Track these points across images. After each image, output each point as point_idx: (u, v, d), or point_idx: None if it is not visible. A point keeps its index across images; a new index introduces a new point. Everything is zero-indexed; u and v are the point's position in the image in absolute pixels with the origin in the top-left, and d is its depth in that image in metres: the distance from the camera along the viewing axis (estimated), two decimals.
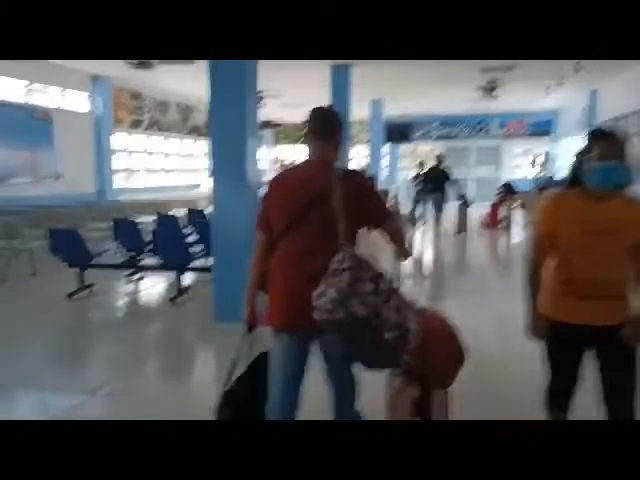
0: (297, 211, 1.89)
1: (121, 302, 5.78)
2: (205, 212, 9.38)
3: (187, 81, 10.67)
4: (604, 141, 1.93)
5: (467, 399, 2.50)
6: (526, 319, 2.12)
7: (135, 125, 12.49)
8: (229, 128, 4.58)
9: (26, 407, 3.25)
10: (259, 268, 2.06)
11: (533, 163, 18.19)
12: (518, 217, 12.00)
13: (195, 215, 8.50)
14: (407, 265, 2.39)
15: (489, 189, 17.73)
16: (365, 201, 1.93)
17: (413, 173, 11.74)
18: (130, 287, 6.26)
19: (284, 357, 1.98)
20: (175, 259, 5.36)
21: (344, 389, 2.02)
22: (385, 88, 12.41)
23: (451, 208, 10.74)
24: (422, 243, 9.54)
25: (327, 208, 1.84)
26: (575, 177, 2.02)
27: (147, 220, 7.91)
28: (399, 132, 17.66)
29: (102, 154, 10.93)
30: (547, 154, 17.90)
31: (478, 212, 11.33)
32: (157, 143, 13.49)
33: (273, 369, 2.01)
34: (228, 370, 2.08)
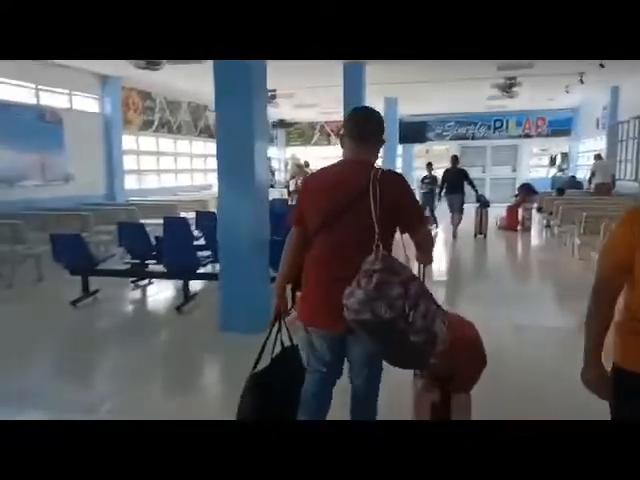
0: (333, 210, 1.89)
1: (125, 310, 5.58)
2: (216, 213, 9.24)
3: (198, 80, 10.49)
4: None
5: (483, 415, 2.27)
6: (584, 369, 1.60)
7: (145, 126, 12.37)
8: (235, 129, 4.35)
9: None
10: (291, 261, 2.08)
11: (552, 162, 17.76)
12: (538, 219, 11.67)
13: (204, 217, 8.31)
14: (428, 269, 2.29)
15: (506, 190, 17.43)
16: (402, 204, 1.91)
17: (424, 173, 11.52)
18: (136, 294, 6.07)
19: (316, 353, 2.03)
20: (181, 266, 5.15)
21: (365, 388, 2.04)
22: (399, 87, 12.14)
23: (468, 209, 10.48)
24: (438, 246, 9.24)
25: (363, 209, 1.82)
26: None
27: (155, 222, 7.74)
28: (413, 132, 17.32)
29: (112, 155, 10.82)
30: (566, 153, 17.45)
31: (494, 213, 10.99)
32: (168, 143, 13.38)
33: (307, 363, 2.07)
34: (256, 359, 2.07)
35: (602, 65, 9.41)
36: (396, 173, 2.08)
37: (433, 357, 1.73)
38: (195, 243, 6.80)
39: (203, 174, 14.75)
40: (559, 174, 17.17)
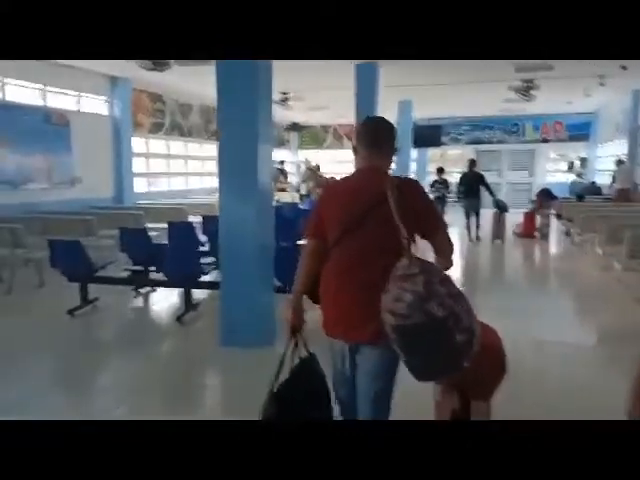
0: (352, 219, 1.89)
1: (123, 320, 5.34)
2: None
3: (209, 82, 10.34)
4: None
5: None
6: (629, 401, 1.50)
7: (155, 128, 12.24)
8: (238, 131, 4.12)
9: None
10: (308, 274, 2.05)
11: (570, 167, 17.32)
12: (556, 226, 11.28)
13: (210, 222, 8.12)
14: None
15: (522, 195, 17.02)
16: (420, 209, 1.92)
17: (434, 178, 11.28)
18: (138, 301, 5.86)
19: (342, 362, 2.03)
20: (182, 274, 4.93)
21: (372, 406, 1.98)
22: (413, 90, 11.87)
23: (484, 214, 10.19)
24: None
25: (383, 215, 1.83)
26: None
27: (162, 226, 7.55)
28: (427, 136, 17.04)
29: (121, 158, 10.68)
30: (585, 158, 17.00)
31: (510, 219, 10.65)
32: (178, 146, 13.24)
33: (333, 376, 2.09)
34: (275, 372, 2.01)
35: (624, 67, 9.15)
36: (412, 179, 2.12)
37: (468, 359, 1.69)
38: (200, 249, 6.62)
39: (214, 177, 14.59)
40: (577, 179, 16.73)
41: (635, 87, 11.66)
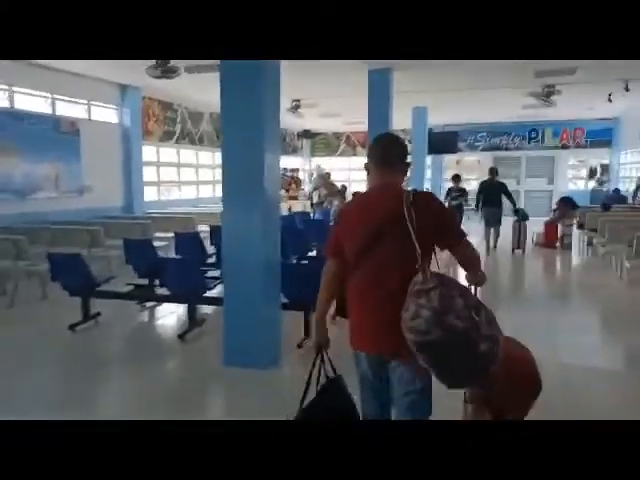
0: (370, 237, 1.90)
1: (125, 337, 5.10)
2: None
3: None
4: None
5: None
6: None
7: (166, 137, 12.12)
8: (243, 137, 3.88)
9: None
10: (329, 293, 2.10)
11: (591, 175, 16.82)
12: (578, 236, 10.85)
13: (218, 232, 7.91)
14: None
15: (541, 203, 16.57)
16: (437, 221, 1.90)
17: (450, 185, 10.96)
18: (142, 316, 5.64)
19: (367, 378, 2.03)
20: (186, 289, 4.68)
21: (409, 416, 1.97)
22: (428, 96, 11.57)
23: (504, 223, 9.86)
24: None
25: (399, 232, 1.83)
26: None
27: (169, 236, 7.35)
28: (443, 142, 16.67)
29: (131, 166, 10.55)
30: (607, 165, 16.50)
31: (530, 228, 10.29)
32: (189, 154, 13.11)
33: (360, 390, 2.09)
34: (303, 392, 2.06)
35: (627, 89, 8.89)
36: (427, 192, 2.17)
37: (495, 365, 1.70)
38: (208, 261, 6.40)
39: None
40: (598, 187, 16.24)
41: None
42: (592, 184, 16.75)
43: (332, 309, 2.19)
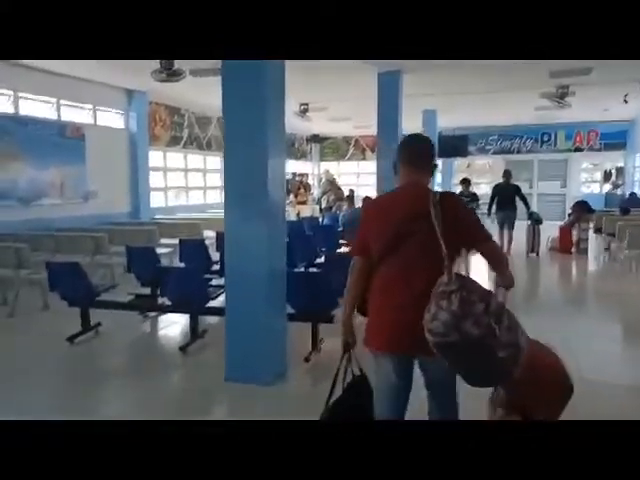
0: (396, 235, 1.93)
1: (124, 349, 4.91)
2: None
3: None
4: None
5: None
6: None
7: (173, 142, 12.00)
8: (246, 141, 3.69)
9: None
10: (357, 291, 2.09)
11: (606, 178, 16.46)
12: (594, 241, 10.54)
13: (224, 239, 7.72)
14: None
15: (555, 207, 16.23)
16: (462, 222, 1.93)
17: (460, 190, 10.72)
18: (144, 326, 5.46)
19: (388, 378, 2.03)
20: (188, 299, 4.50)
21: (443, 411, 2.05)
22: (438, 99, 11.35)
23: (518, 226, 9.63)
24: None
25: (425, 231, 1.86)
26: None
27: (175, 242, 7.17)
28: (453, 146, 16.43)
29: (137, 172, 10.43)
30: (622, 168, 16.13)
31: (544, 232, 10.03)
32: (197, 160, 12.98)
33: (378, 390, 2.09)
34: (329, 391, 2.11)
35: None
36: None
37: (516, 371, 1.71)
38: (213, 268, 6.22)
39: None
40: (614, 190, 15.87)
41: None
42: (607, 187, 16.39)
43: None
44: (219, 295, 4.74)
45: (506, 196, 9.41)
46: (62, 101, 8.94)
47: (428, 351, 1.76)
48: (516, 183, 9.98)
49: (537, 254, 9.62)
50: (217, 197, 13.67)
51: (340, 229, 8.63)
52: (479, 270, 2.20)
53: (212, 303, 4.58)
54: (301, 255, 6.53)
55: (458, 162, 17.71)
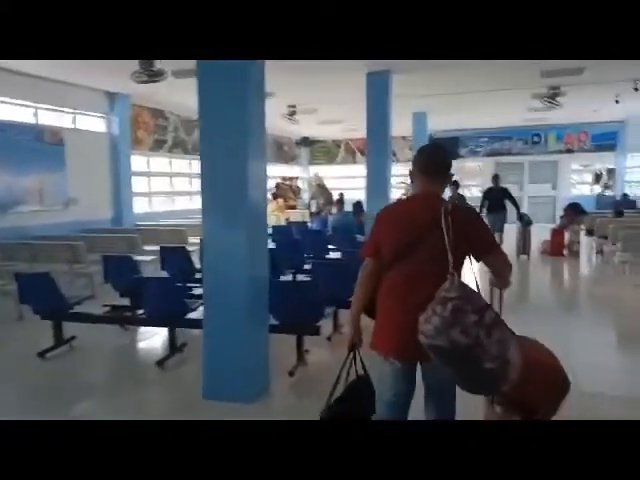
0: (407, 241, 1.99)
1: (99, 364, 4.61)
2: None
3: None
4: None
5: None
6: None
7: (157, 146, 11.73)
8: (224, 144, 3.47)
9: None
10: (367, 291, 2.13)
11: (596, 179, 16.38)
12: (587, 243, 10.41)
13: None
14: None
15: (545, 209, 16.13)
16: (474, 232, 2.00)
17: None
18: (121, 339, 5.18)
19: (392, 381, 2.08)
20: (165, 312, 4.25)
21: (439, 414, 2.10)
22: (428, 100, 11.18)
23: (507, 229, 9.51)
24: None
25: (435, 239, 1.91)
26: None
27: (155, 249, 6.91)
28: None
29: (119, 177, 10.14)
30: (613, 169, 16.07)
31: (535, 235, 9.90)
32: (182, 164, 12.71)
33: (381, 392, 2.13)
34: (331, 389, 2.16)
35: (637, 89, 9.00)
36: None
37: (505, 384, 1.75)
38: (197, 276, 5.97)
39: None
40: (604, 192, 15.80)
41: None
42: (597, 189, 16.31)
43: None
44: (198, 307, 4.49)
45: (496, 199, 9.43)
46: (40, 105, 8.64)
47: (429, 356, 1.84)
48: (505, 186, 9.99)
49: (528, 256, 9.55)
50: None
51: (329, 233, 8.41)
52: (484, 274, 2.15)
53: (192, 314, 4.32)
54: (288, 262, 6.30)
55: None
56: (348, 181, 18.92)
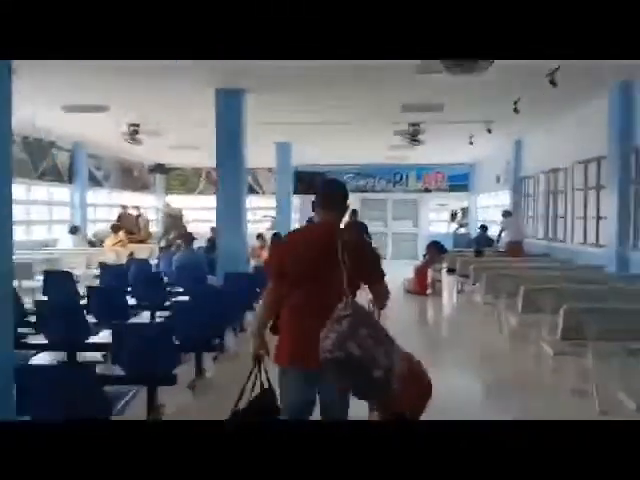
0: (308, 265, 2.26)
1: None
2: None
3: (43, 107, 8.02)
4: None
5: None
6: None
7: None
8: None
9: None
10: (270, 311, 2.41)
11: (452, 218, 17.10)
12: (447, 281, 10.30)
13: (56, 280, 6.56)
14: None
15: (408, 246, 16.36)
16: (363, 262, 2.29)
17: None
18: None
19: (294, 391, 2.30)
20: None
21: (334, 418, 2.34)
22: (292, 129, 10.53)
23: None
24: None
25: (332, 264, 2.13)
26: None
27: None
28: (310, 183, 15.85)
29: None
30: (466, 208, 16.91)
31: (398, 272, 9.46)
32: None
33: (285, 401, 2.34)
34: (237, 398, 2.27)
35: (489, 130, 9.34)
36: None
37: (389, 391, 1.95)
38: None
39: (47, 227, 11.70)
40: (460, 230, 16.48)
41: (517, 137, 11.41)
42: (453, 226, 17.01)
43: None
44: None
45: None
46: None
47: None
48: (363, 221, 9.86)
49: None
50: (22, 234, 11.04)
51: (164, 278, 6.91)
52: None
53: None
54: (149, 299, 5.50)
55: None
56: (210, 213, 17.59)
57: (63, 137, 11.21)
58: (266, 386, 2.31)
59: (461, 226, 16.79)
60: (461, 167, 16.38)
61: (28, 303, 5.49)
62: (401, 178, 16.82)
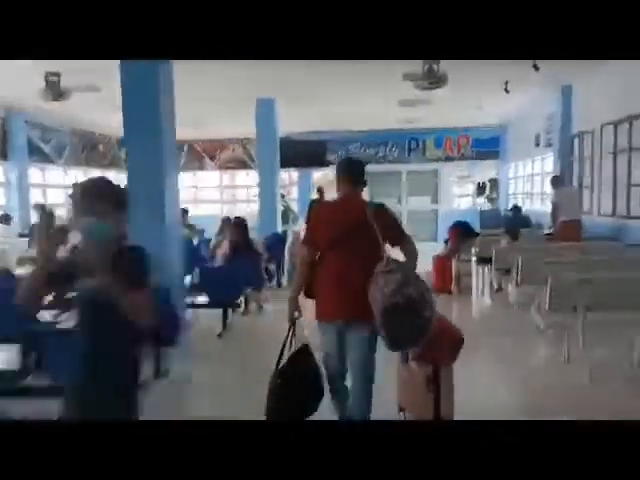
0: (341, 232, 2.69)
1: None
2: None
3: None
4: None
5: None
6: None
7: None
8: None
9: None
10: (305, 276, 2.85)
11: (479, 191, 14.52)
12: (478, 274, 7.87)
13: None
14: None
15: (427, 226, 13.90)
16: (388, 225, 2.74)
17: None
18: None
19: (329, 342, 2.78)
20: None
21: (364, 372, 2.74)
22: (276, 86, 8.14)
23: None
24: None
25: (362, 230, 2.63)
26: None
27: None
28: (308, 154, 13.44)
29: None
30: (496, 180, 14.30)
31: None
32: None
33: (326, 351, 2.83)
34: (277, 358, 2.75)
35: (536, 67, 6.80)
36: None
37: (426, 337, 2.36)
38: None
39: None
40: (488, 206, 13.92)
41: (566, 82, 8.75)
42: (480, 202, 14.45)
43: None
44: None
45: None
46: None
47: (363, 317, 2.56)
48: (381, 200, 7.20)
49: None
50: None
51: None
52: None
53: None
54: None
55: (318, 174, 14.75)
56: (195, 192, 15.45)
57: None
58: (301, 344, 2.78)
59: (490, 201, 14.24)
60: (489, 129, 13.69)
61: None
62: (417, 145, 14.21)
